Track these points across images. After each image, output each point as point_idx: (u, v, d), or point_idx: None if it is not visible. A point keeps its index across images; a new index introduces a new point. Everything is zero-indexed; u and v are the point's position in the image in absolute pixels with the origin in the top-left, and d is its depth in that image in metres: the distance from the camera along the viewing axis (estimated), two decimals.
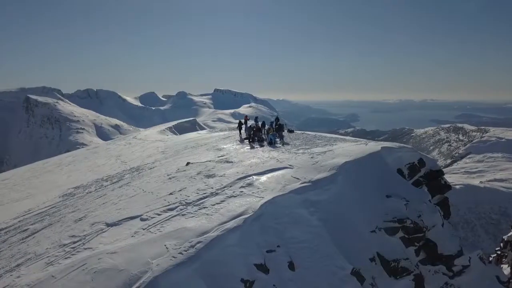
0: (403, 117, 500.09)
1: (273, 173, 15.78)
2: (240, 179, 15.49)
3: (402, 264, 14.09)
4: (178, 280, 10.01)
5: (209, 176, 16.48)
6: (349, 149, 18.38)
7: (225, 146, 22.71)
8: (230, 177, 15.90)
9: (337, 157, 17.03)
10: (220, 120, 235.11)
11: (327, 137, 23.10)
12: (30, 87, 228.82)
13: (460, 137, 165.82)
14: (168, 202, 14.33)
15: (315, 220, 13.77)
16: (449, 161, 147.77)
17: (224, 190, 14.67)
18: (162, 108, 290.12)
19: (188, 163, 19.18)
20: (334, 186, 15.01)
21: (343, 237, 13.88)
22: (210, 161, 18.97)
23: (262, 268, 11.86)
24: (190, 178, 16.71)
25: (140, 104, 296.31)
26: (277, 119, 25.21)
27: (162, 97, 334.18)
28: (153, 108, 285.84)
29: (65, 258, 11.56)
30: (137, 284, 9.62)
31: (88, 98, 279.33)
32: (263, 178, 15.30)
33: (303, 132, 26.47)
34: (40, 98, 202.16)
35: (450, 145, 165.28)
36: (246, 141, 23.12)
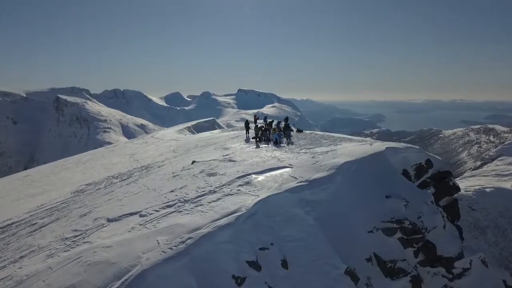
0: (430, 118, 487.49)
1: (272, 172, 15.94)
2: (239, 177, 15.73)
3: (399, 265, 13.99)
4: (166, 274, 10.31)
5: (210, 175, 16.79)
6: (352, 149, 18.32)
7: (232, 146, 23.02)
8: (230, 175, 16.16)
9: (338, 157, 17.01)
10: (243, 120, 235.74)
11: (334, 136, 23.06)
12: (60, 87, 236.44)
13: (491, 138, 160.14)
14: (168, 199, 14.72)
15: (311, 219, 13.85)
16: (479, 163, 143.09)
17: (222, 188, 14.94)
18: (186, 108, 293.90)
19: (193, 162, 19.58)
20: (332, 185, 15.03)
21: (338, 237, 13.90)
22: (214, 160, 19.30)
23: (254, 265, 12.02)
24: (192, 176, 17.07)
25: (165, 104, 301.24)
26: (286, 119, 25.32)
27: (187, 97, 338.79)
28: (178, 108, 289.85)
29: (65, 251, 12.10)
30: (125, 277, 9.99)
31: (115, 98, 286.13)
32: (261, 177, 15.48)
33: (311, 132, 26.47)
34: (70, 98, 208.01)
35: (480, 147, 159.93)
36: (253, 141, 23.32)
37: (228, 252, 11.88)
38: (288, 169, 16.08)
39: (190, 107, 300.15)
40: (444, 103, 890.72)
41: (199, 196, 14.46)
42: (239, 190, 14.55)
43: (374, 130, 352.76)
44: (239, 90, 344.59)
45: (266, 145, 21.84)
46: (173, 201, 14.44)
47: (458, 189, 20.13)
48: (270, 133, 23.65)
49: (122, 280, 9.86)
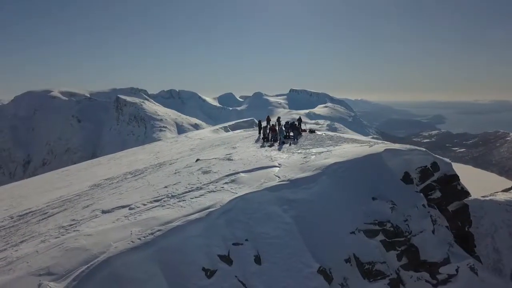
0: (497, 119, 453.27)
1: (259, 171, 16.36)
2: (227, 175, 16.33)
3: (378, 267, 13.87)
4: (131, 262, 11.16)
5: (205, 172, 17.54)
6: (349, 150, 18.25)
7: (240, 145, 23.64)
8: (221, 173, 16.81)
9: (330, 157, 17.07)
10: (294, 120, 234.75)
11: (343, 137, 22.90)
12: (120, 88, 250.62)
13: None
14: (158, 194, 15.66)
15: (288, 217, 14.15)
16: None
17: (209, 185, 15.64)
18: (238, 108, 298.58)
19: (197, 160, 20.46)
20: (316, 185, 15.19)
21: (316, 236, 14.07)
22: (216, 158, 20.04)
23: (226, 259, 12.58)
24: (189, 174, 17.93)
25: (218, 105, 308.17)
26: (299, 119, 25.52)
27: (239, 97, 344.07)
28: (230, 108, 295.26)
29: (56, 237, 13.36)
30: (93, 262, 10.96)
31: (171, 98, 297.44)
32: (248, 175, 15.97)
33: (324, 132, 26.37)
34: (129, 98, 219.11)
35: None
36: (261, 140, 23.80)
37: (199, 246, 12.53)
38: (276, 168, 16.43)
39: (242, 107, 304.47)
40: None
41: (186, 192, 15.25)
42: (222, 187, 15.17)
43: (433, 132, 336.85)
44: (291, 90, 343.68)
45: (270, 145, 22.22)
46: (162, 196, 15.34)
47: (467, 193, 19.32)
48: (278, 134, 23.97)
49: (88, 265, 10.86)
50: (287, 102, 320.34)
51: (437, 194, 18.75)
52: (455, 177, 18.99)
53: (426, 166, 18.87)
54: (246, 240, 13.22)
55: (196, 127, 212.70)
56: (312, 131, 25.89)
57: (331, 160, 16.51)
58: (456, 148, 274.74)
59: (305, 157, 17.51)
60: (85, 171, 28.44)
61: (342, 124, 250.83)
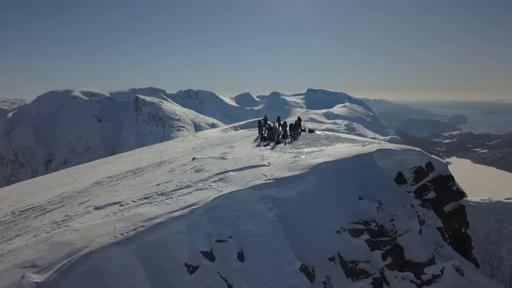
0: None
1: (248, 170, 16.59)
2: (217, 174, 16.62)
3: (361, 266, 13.93)
4: (112, 256, 11.57)
5: (197, 171, 17.87)
6: (341, 150, 18.30)
7: (238, 144, 23.88)
8: (212, 172, 17.11)
9: (320, 157, 17.17)
10: (312, 120, 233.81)
11: (340, 137, 22.91)
12: (139, 87, 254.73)
13: None
14: (150, 192, 16.08)
15: (272, 215, 14.36)
16: None
17: (198, 183, 15.96)
18: (255, 108, 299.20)
19: (193, 159, 20.81)
20: (302, 184, 15.33)
21: (300, 234, 14.25)
22: (210, 157, 20.33)
23: (208, 255, 12.90)
24: (182, 172, 18.30)
25: (235, 104, 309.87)
26: (298, 119, 25.64)
27: (256, 97, 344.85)
28: (247, 108, 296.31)
29: (47, 232, 13.89)
30: (75, 255, 11.42)
31: (189, 98, 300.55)
32: (236, 174, 16.23)
33: (323, 132, 26.38)
34: (147, 98, 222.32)
35: None
36: (259, 140, 23.98)
37: (182, 242, 12.86)
38: (264, 167, 16.62)
39: (259, 107, 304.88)
40: None
41: (175, 190, 15.61)
42: (210, 185, 15.47)
43: (454, 133, 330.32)
44: (309, 90, 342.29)
45: (266, 145, 22.38)
46: (152, 193, 15.74)
47: (463, 194, 19.08)
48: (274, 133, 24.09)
49: (70, 258, 11.30)
50: (304, 102, 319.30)
51: (432, 194, 18.62)
52: (450, 178, 18.79)
53: (421, 166, 18.76)
54: (230, 237, 13.48)
55: (213, 126, 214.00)
56: (311, 131, 25.90)
57: (320, 160, 16.60)
58: (478, 149, 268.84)
59: (295, 157, 17.65)
60: (92, 170, 29.18)
61: (360, 124, 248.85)
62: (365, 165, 16.91)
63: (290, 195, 14.93)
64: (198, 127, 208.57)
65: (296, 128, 24.27)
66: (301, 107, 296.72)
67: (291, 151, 19.31)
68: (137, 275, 11.61)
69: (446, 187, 18.74)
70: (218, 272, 12.70)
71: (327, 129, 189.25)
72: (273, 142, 22.70)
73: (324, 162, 16.29)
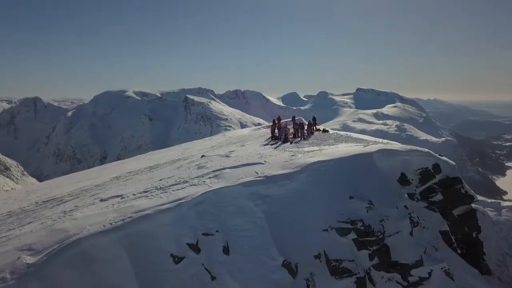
0: None
1: (244, 167, 17.04)
2: (214, 171, 17.24)
3: (345, 265, 13.93)
4: (99, 244, 12.52)
5: (199, 168, 18.61)
6: (340, 149, 18.28)
7: (249, 143, 24.38)
8: (210, 169, 17.76)
9: (316, 156, 17.27)
10: (360, 120, 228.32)
11: (351, 137, 22.70)
12: (188, 88, 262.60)
13: None
14: (151, 186, 17.03)
15: (259, 212, 14.74)
16: None
17: (194, 179, 16.67)
18: (302, 108, 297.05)
19: (202, 156, 21.61)
20: (292, 182, 15.57)
21: (285, 231, 14.52)
22: (218, 155, 21.01)
23: (194, 247, 13.54)
24: (187, 169, 19.14)
25: (282, 104, 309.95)
26: (313, 118, 25.66)
27: (303, 97, 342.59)
28: (294, 108, 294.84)
29: (53, 220, 15.24)
30: (66, 241, 12.52)
31: (236, 98, 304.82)
32: (231, 171, 16.74)
33: (336, 132, 26.15)
34: (196, 98, 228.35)
35: None
36: (270, 139, 24.34)
37: (169, 234, 13.59)
38: (259, 165, 17.01)
39: (306, 106, 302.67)
40: None
41: (172, 185, 16.42)
42: (204, 181, 16.11)
43: None
44: (358, 89, 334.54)
45: (274, 143, 22.69)
46: (152, 188, 16.66)
47: (472, 197, 18.30)
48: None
49: (60, 244, 12.41)
50: (353, 101, 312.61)
51: (438, 197, 18.07)
52: (457, 180, 18.11)
53: (427, 167, 18.27)
54: (217, 231, 14.01)
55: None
56: (325, 130, 25.85)
57: (315, 159, 16.73)
58: None
59: (292, 155, 17.87)
60: (121, 166, 30.93)
61: (412, 125, 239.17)
62: (361, 165, 16.79)
63: (279, 193, 15.22)
64: (244, 127, 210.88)
65: (309, 128, 24.36)
66: (350, 107, 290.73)
67: (291, 150, 19.54)
68: (122, 263, 12.42)
69: (454, 189, 18.10)
70: (203, 264, 13.27)
71: (377, 130, 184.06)
72: (281, 141, 23.03)
73: (318, 161, 16.41)
